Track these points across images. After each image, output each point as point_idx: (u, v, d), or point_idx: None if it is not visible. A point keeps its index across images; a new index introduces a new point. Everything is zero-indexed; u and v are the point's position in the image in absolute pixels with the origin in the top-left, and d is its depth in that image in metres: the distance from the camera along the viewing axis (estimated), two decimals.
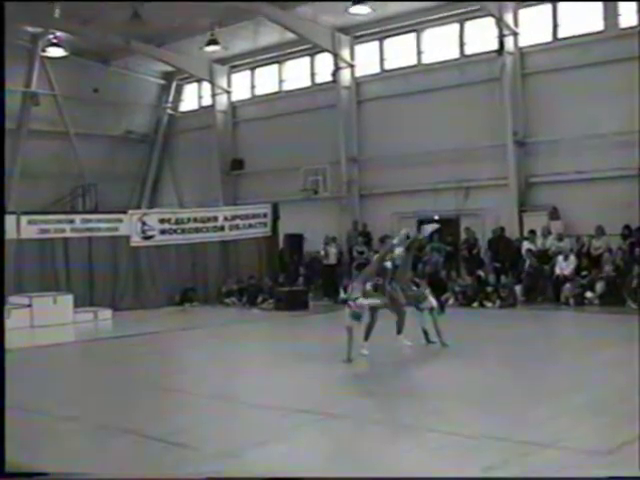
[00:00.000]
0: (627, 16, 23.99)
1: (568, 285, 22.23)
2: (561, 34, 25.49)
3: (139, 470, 7.48)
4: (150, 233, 25.96)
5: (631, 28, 23.75)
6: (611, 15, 24.25)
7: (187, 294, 25.97)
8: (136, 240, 25.67)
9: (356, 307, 13.39)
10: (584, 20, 24.82)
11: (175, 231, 26.52)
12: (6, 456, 6.53)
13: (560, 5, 25.41)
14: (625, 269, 21.86)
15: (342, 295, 23.44)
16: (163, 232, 26.27)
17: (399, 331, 14.23)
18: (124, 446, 8.45)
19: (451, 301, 23.38)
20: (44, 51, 31.24)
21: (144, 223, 25.95)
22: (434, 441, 8.22)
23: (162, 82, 37.46)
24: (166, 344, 17.40)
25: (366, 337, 13.83)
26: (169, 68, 35.51)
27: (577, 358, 13.42)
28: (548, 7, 25.64)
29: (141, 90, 36.87)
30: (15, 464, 6.93)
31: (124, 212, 26.49)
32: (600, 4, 24.45)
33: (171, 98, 37.82)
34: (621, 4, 24.06)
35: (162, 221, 26.47)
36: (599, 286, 21.66)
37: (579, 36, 24.92)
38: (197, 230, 26.95)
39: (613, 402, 9.76)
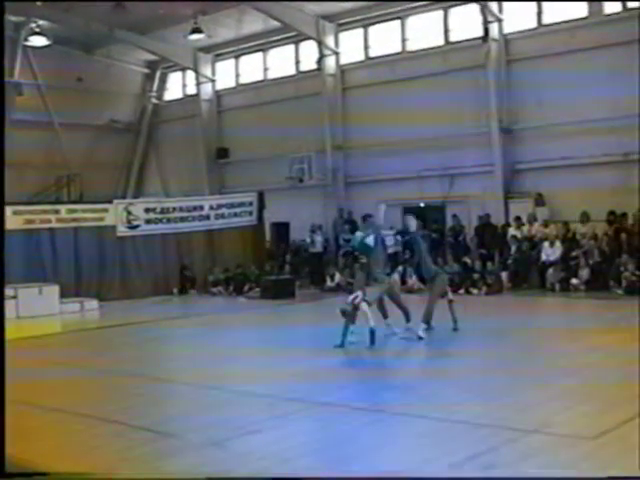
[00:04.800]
0: (611, 2, 24.03)
1: (553, 271, 22.29)
2: (545, 20, 25.49)
3: (124, 460, 7.47)
4: (136, 223, 25.89)
5: (616, 14, 23.81)
6: (595, 1, 24.26)
7: (184, 273, 26.16)
8: (122, 230, 25.60)
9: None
10: (568, 6, 24.83)
11: (161, 220, 26.47)
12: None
13: None
14: (610, 255, 21.95)
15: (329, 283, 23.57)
16: (149, 222, 26.21)
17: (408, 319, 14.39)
18: (108, 435, 8.43)
19: None
20: (27, 40, 31.03)
21: (129, 213, 25.88)
22: (422, 427, 8.25)
23: (146, 71, 37.32)
24: (152, 334, 17.34)
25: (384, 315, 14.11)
26: (153, 57, 35.41)
27: (563, 344, 13.46)
28: None
29: (125, 79, 36.70)
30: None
31: (109, 202, 26.40)
32: None
33: (155, 87, 37.69)
34: None
35: (147, 210, 26.41)
36: (584, 272, 21.73)
37: (563, 22, 24.94)
38: (183, 219, 26.91)
39: (599, 388, 9.78)
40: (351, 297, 13.71)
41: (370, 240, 14.56)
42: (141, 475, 7.13)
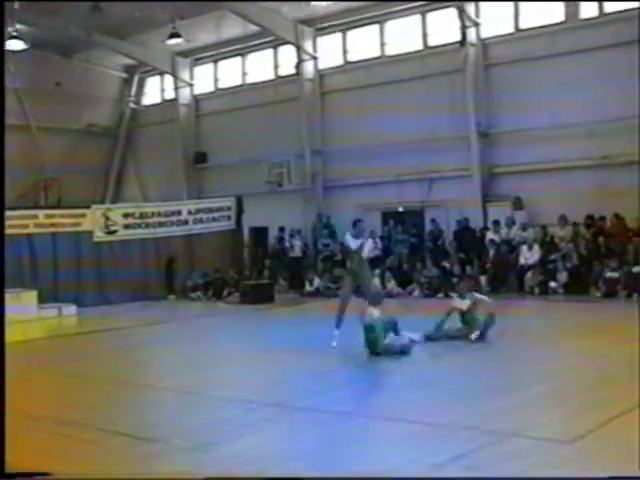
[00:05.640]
0: (588, 7, 24.21)
1: (532, 275, 22.37)
2: (523, 25, 25.65)
3: (104, 465, 7.44)
4: (114, 228, 25.76)
5: (593, 19, 24.00)
6: (572, 6, 24.44)
7: (171, 266, 26.29)
8: (100, 235, 25.47)
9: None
10: (545, 11, 24.99)
11: (139, 225, 26.36)
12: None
13: None
14: (588, 258, 22.07)
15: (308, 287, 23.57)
16: (127, 227, 26.10)
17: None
18: (89, 441, 8.38)
19: (417, 292, 23.51)
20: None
21: (108, 218, 25.75)
22: (403, 431, 8.25)
23: (124, 75, 37.24)
24: (132, 339, 17.26)
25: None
26: (131, 61, 35.33)
27: (541, 347, 13.49)
28: None
29: (103, 83, 36.61)
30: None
31: (87, 207, 26.27)
32: None
33: (133, 91, 37.61)
34: None
35: (126, 215, 26.28)
36: (563, 275, 21.82)
37: (541, 27, 25.11)
38: (161, 224, 26.80)
39: (578, 390, 9.84)
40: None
41: (360, 244, 14.57)
42: (141, 476, 7.13)
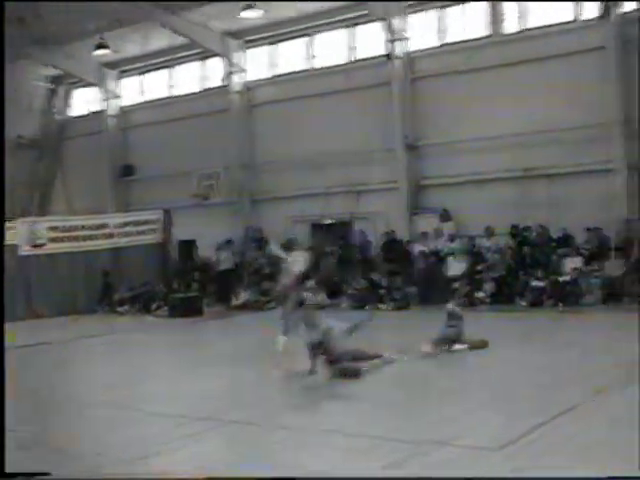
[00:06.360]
0: (511, 22, 24.71)
1: (459, 285, 22.58)
2: (448, 39, 26.01)
3: None
4: (40, 241, 25.38)
5: (516, 33, 24.51)
6: (496, 21, 24.90)
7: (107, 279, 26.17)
8: (26, 249, 25.07)
9: None
10: (470, 26, 25.42)
11: (66, 239, 26.00)
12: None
13: (447, 11, 25.95)
14: (514, 268, 22.41)
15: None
16: (53, 240, 25.73)
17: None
18: (15, 458, 8.24)
19: (345, 304, 23.56)
20: None
21: (33, 231, 25.35)
22: (338, 442, 8.28)
23: (50, 86, 36.69)
24: (60, 354, 17.03)
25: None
26: (57, 72, 34.83)
27: (471, 356, 13.65)
28: (435, 13, 26.16)
29: (29, 94, 36.00)
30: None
31: (13, 220, 25.82)
32: (486, 10, 25.10)
33: (60, 103, 37.06)
34: (506, 10, 24.76)
35: (52, 229, 25.93)
36: (489, 285, 22.10)
37: (466, 41, 25.51)
38: (88, 237, 26.49)
39: (508, 399, 9.98)
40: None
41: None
42: (141, 476, 7.13)
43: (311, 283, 23.59)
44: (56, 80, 36.31)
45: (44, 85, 36.41)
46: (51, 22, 28.18)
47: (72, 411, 10.98)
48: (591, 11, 23.19)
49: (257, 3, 25.77)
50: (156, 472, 7.54)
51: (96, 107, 35.55)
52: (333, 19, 27.99)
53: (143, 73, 34.18)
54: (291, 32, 29.20)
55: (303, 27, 28.74)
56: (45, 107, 36.96)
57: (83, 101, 36.87)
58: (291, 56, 29.55)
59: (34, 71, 34.80)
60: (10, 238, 24.68)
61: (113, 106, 34.60)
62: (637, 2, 22.71)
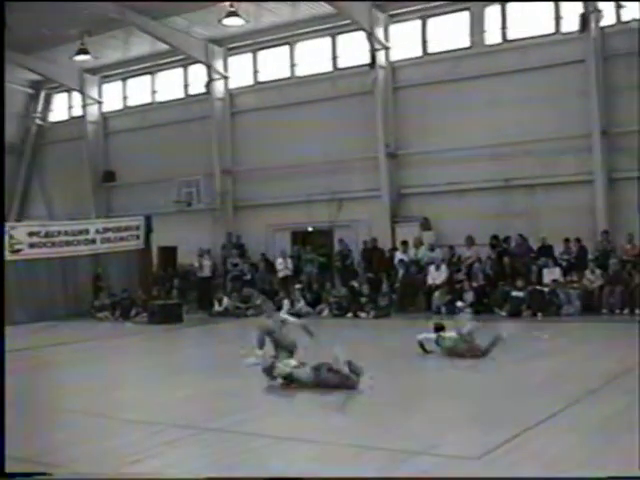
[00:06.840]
0: (493, 33, 24.85)
1: (439, 294, 22.67)
2: (431, 49, 26.12)
3: None
4: (18, 247, 25.19)
5: (497, 44, 24.65)
6: (478, 32, 25.03)
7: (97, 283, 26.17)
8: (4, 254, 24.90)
9: None
10: (452, 36, 25.54)
11: (45, 244, 25.83)
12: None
13: (430, 21, 26.06)
14: (494, 278, 22.51)
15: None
16: (32, 246, 25.51)
17: None
18: None
19: (326, 312, 23.59)
20: None
21: (12, 237, 25.16)
22: (312, 452, 8.25)
23: (30, 91, 36.54)
24: (37, 361, 16.89)
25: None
26: (37, 77, 34.69)
27: (449, 366, 13.66)
28: (418, 23, 26.26)
29: (8, 99, 35.82)
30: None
31: None
32: (467, 21, 25.24)
33: (40, 108, 36.91)
34: (487, 21, 24.91)
35: (31, 234, 25.70)
36: (469, 295, 22.18)
37: (448, 52, 25.65)
38: (68, 243, 26.34)
39: (485, 408, 9.99)
40: None
41: None
42: (141, 476, 7.12)
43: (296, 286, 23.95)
44: (36, 85, 36.16)
45: (24, 89, 36.22)
46: (29, 27, 27.93)
47: (44, 419, 10.89)
48: (572, 24, 23.34)
49: (238, 9, 25.66)
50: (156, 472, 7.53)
51: (77, 112, 35.43)
52: (316, 27, 28.02)
53: (125, 79, 34.09)
54: (274, 40, 29.22)
55: (286, 35, 28.76)
56: (24, 112, 36.78)
57: (64, 106, 36.72)
58: (274, 64, 29.56)
59: (14, 75, 34.59)
60: None
61: (94, 112, 34.49)
62: (615, 16, 22.96)
